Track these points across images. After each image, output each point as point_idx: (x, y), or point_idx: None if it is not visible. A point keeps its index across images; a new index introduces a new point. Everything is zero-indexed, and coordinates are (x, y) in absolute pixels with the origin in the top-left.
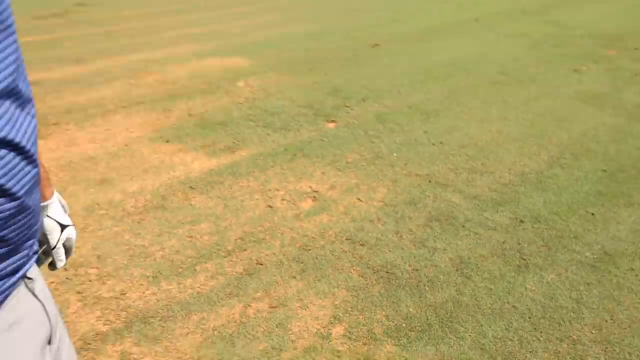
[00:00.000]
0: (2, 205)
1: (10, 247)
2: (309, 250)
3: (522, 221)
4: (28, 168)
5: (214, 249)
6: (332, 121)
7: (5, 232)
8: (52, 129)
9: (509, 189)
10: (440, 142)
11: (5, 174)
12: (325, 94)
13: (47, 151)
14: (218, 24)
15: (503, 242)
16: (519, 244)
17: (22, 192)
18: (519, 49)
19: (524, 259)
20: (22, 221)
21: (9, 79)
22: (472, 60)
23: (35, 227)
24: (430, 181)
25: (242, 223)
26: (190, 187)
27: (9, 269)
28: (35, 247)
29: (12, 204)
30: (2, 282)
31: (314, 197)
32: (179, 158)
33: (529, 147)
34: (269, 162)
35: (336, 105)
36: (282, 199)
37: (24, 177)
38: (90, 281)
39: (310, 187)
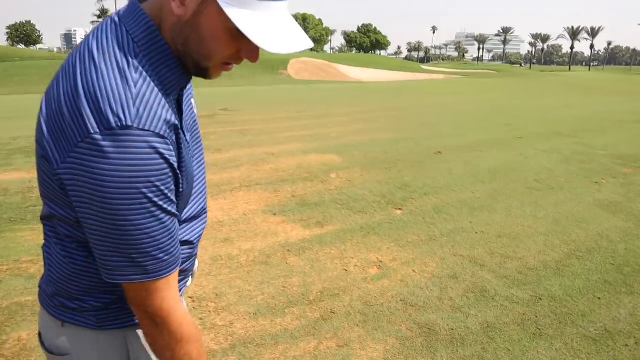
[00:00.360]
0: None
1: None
2: (371, 305)
3: (540, 299)
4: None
5: (300, 298)
6: (399, 209)
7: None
8: None
9: (533, 272)
10: (482, 231)
11: (199, 235)
12: (397, 188)
13: None
14: (320, 129)
15: (523, 314)
16: (536, 316)
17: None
18: (551, 162)
19: (539, 329)
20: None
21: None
22: (512, 168)
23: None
24: (470, 261)
25: (323, 280)
26: (288, 250)
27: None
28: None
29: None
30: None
31: (379, 265)
32: (282, 227)
33: (552, 240)
34: (348, 236)
35: (404, 197)
36: (355, 265)
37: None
38: (208, 312)
39: (377, 258)
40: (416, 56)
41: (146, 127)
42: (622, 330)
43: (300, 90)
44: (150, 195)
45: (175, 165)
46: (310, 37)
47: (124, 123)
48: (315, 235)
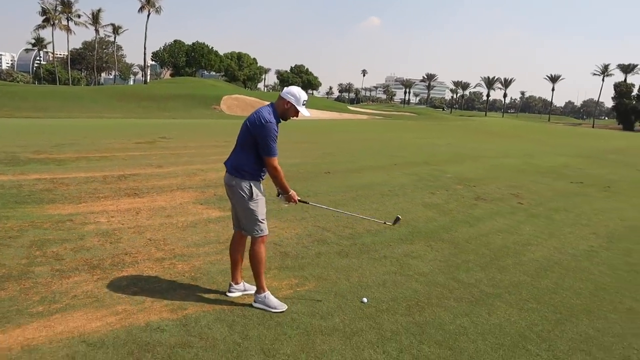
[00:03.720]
0: None
1: None
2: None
3: (355, 244)
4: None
5: (214, 240)
6: (286, 203)
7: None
8: (145, 196)
9: (358, 234)
10: (338, 216)
11: None
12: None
13: (147, 203)
14: None
15: (342, 249)
16: (349, 250)
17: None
18: (408, 180)
19: (347, 255)
20: None
21: None
22: (378, 184)
23: None
24: (322, 228)
25: (229, 234)
26: (209, 221)
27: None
28: None
29: None
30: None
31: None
32: (205, 211)
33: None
34: None
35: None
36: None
37: None
38: (162, 248)
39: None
40: (347, 97)
41: (272, 122)
42: (391, 255)
43: (230, 124)
44: (273, 136)
45: (277, 133)
46: (244, 75)
47: (268, 120)
48: (227, 215)
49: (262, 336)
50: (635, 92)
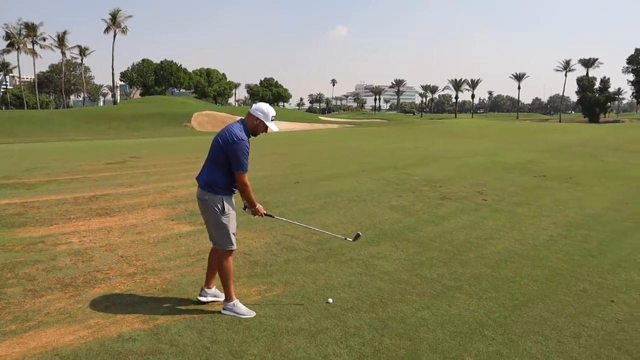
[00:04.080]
0: None
1: None
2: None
3: (323, 249)
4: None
5: (185, 254)
6: None
7: None
8: (116, 215)
9: (326, 239)
10: (306, 223)
11: None
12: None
13: (118, 221)
14: None
15: (309, 255)
16: (316, 255)
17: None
18: (376, 185)
19: (315, 260)
20: None
21: None
22: (346, 190)
23: None
24: (291, 236)
25: (199, 247)
26: (180, 236)
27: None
28: None
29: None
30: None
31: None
32: (177, 226)
33: (346, 225)
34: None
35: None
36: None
37: None
38: (133, 263)
39: None
40: (318, 107)
41: (244, 139)
42: (342, 248)
43: (201, 141)
44: (245, 152)
45: (248, 149)
46: (214, 91)
47: (240, 138)
48: (198, 229)
49: (231, 339)
50: (597, 85)
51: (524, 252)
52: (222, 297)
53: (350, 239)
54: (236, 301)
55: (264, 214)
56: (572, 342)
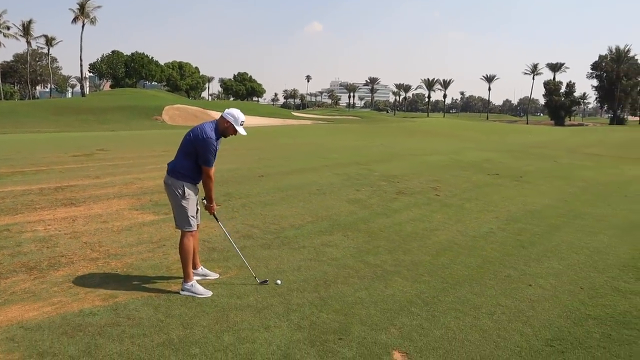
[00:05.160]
0: None
1: None
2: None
3: (278, 237)
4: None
5: (148, 240)
6: (219, 205)
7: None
8: (82, 205)
9: (284, 229)
10: (266, 214)
11: None
12: (221, 195)
13: (83, 211)
14: None
15: (265, 242)
16: (271, 242)
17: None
18: (337, 180)
19: (270, 246)
20: None
21: None
22: (307, 184)
23: None
24: (250, 225)
25: (161, 234)
26: (143, 224)
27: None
28: None
29: None
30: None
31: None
32: (141, 216)
33: (304, 216)
34: None
35: (225, 199)
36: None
37: None
38: (99, 249)
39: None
40: (293, 103)
41: (212, 138)
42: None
43: (171, 135)
44: (212, 149)
45: (216, 148)
46: (186, 85)
47: (209, 136)
48: (161, 219)
49: (183, 314)
50: (563, 89)
51: (463, 242)
52: (212, 276)
53: (258, 281)
54: (194, 282)
55: (213, 213)
56: (486, 317)
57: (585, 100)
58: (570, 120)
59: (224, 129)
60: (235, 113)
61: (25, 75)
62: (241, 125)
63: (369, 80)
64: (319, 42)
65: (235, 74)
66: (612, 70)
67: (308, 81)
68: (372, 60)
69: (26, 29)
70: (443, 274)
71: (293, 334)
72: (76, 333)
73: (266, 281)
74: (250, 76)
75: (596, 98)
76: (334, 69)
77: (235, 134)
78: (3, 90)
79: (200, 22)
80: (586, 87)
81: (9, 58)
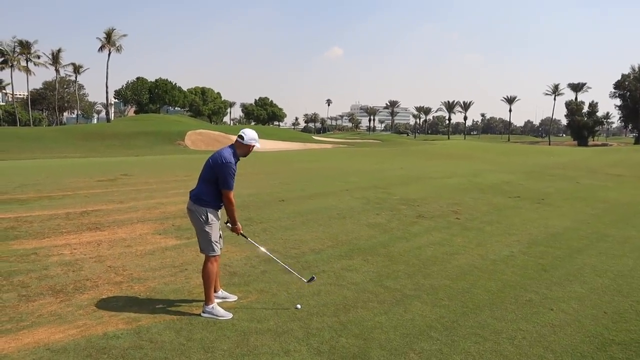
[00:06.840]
0: None
1: None
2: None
3: (299, 262)
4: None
5: (170, 265)
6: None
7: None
8: (106, 229)
9: (306, 253)
10: (286, 239)
11: None
12: (243, 220)
13: (108, 235)
14: None
15: (287, 262)
16: (298, 266)
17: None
18: (357, 203)
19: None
20: None
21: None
22: (327, 208)
23: None
24: (270, 251)
25: (183, 259)
26: (165, 249)
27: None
28: None
29: None
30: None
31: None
32: (163, 240)
33: (324, 241)
34: None
35: (246, 224)
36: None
37: None
38: (123, 273)
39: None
40: (313, 127)
41: (232, 162)
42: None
43: (193, 160)
44: (232, 173)
45: (235, 171)
46: (208, 110)
47: (229, 161)
48: (183, 243)
49: (205, 338)
50: (585, 109)
51: (483, 266)
52: (231, 298)
53: (305, 280)
54: (215, 304)
55: (240, 233)
56: (506, 342)
57: (608, 120)
58: (593, 140)
59: (240, 148)
60: (250, 134)
61: (54, 102)
62: (253, 139)
63: (389, 104)
64: (339, 66)
65: (257, 98)
66: (636, 89)
67: (328, 105)
68: (391, 83)
69: (55, 58)
70: (463, 298)
71: (313, 359)
72: (100, 356)
73: (313, 278)
74: (272, 101)
75: (620, 117)
76: (354, 92)
77: (250, 151)
78: (32, 116)
79: (223, 48)
80: (609, 106)
81: (39, 85)
